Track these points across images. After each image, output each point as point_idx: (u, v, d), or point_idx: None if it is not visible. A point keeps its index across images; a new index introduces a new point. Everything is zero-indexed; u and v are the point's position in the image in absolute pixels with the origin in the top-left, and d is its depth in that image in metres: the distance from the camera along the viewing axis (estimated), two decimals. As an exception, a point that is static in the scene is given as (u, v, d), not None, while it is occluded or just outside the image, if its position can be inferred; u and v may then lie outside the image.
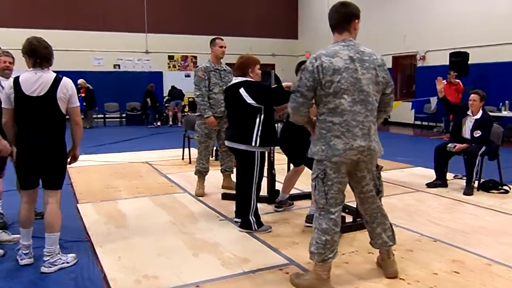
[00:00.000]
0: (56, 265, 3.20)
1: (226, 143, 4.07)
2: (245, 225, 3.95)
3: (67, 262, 3.27)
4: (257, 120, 3.82)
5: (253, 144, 3.80)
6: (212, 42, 5.31)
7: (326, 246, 2.74)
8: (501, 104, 10.16)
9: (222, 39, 5.33)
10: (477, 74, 10.98)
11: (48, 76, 3.14)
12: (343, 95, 2.63)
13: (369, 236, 3.06)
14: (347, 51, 2.67)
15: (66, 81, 3.19)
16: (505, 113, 9.84)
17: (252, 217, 3.93)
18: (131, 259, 3.39)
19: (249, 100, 3.80)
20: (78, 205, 4.88)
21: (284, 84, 4.67)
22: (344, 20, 2.75)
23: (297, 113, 2.76)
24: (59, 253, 3.27)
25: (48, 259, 3.19)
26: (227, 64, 5.43)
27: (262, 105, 3.82)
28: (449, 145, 5.54)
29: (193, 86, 5.24)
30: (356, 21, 2.77)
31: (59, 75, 3.20)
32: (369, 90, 2.68)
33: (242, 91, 3.83)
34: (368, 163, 2.80)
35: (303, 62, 4.37)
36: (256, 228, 3.92)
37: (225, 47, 5.27)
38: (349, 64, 2.64)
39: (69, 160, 3.39)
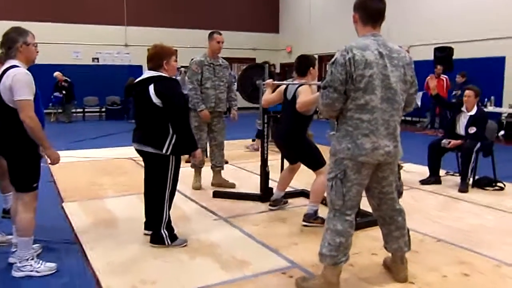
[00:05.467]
0: (23, 271, 2.96)
1: (134, 145, 3.50)
2: (156, 240, 3.43)
3: (37, 271, 2.98)
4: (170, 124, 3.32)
5: (164, 151, 3.28)
6: (210, 36, 5.16)
7: (340, 248, 2.60)
8: (486, 99, 10.22)
9: (220, 34, 5.16)
10: (461, 69, 11.02)
11: (3, 67, 2.87)
12: (374, 91, 2.47)
13: (384, 239, 2.93)
14: (377, 46, 2.52)
15: (10, 71, 2.82)
16: (490, 108, 9.89)
17: (164, 230, 3.42)
18: (125, 262, 3.18)
19: (155, 99, 3.26)
20: (63, 204, 4.62)
21: (267, 81, 4.50)
22: (381, 14, 2.61)
23: (331, 109, 2.56)
24: (32, 259, 3.01)
25: (16, 263, 2.98)
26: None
27: (166, 107, 3.26)
28: (443, 141, 5.48)
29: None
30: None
31: (14, 66, 2.85)
32: (396, 88, 2.54)
33: (151, 88, 3.27)
34: (392, 163, 2.66)
35: (304, 55, 4.22)
36: (170, 242, 3.43)
37: (222, 42, 5.13)
38: (378, 60, 2.49)
39: (48, 161, 3.11)
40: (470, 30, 11.17)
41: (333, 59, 2.54)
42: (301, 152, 4.06)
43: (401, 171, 6.15)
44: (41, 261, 3.06)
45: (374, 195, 2.79)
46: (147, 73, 3.41)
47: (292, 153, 4.21)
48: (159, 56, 3.38)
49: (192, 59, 5.20)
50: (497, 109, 10.06)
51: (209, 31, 5.24)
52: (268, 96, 4.33)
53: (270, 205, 4.50)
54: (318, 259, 2.74)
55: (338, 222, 2.62)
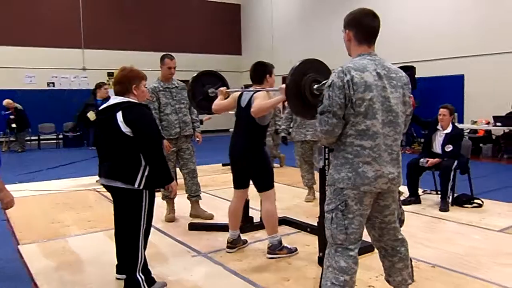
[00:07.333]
0: None
1: (101, 180, 3.08)
2: (131, 286, 2.97)
3: None
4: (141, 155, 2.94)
5: (137, 185, 2.90)
6: (161, 60, 4.85)
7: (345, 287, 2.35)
8: (449, 116, 10.42)
9: (172, 58, 4.81)
10: (423, 88, 11.26)
11: None
12: (376, 116, 2.28)
13: (386, 272, 2.71)
14: (374, 66, 2.34)
15: None
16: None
17: (140, 274, 2.98)
18: (96, 316, 2.80)
19: (125, 129, 2.88)
20: (19, 246, 4.13)
21: (220, 89, 4.12)
22: (377, 33, 2.44)
23: (331, 135, 2.34)
24: None
25: None
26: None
27: (138, 137, 2.89)
28: (421, 160, 5.41)
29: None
30: None
31: None
32: (397, 110, 2.36)
33: (119, 115, 2.90)
34: (394, 191, 2.46)
35: (260, 62, 3.86)
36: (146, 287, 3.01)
37: (174, 68, 4.80)
38: (377, 81, 2.31)
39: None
40: (429, 50, 11.48)
41: (329, 82, 2.33)
42: (257, 166, 3.71)
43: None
44: None
45: (375, 225, 2.57)
46: (113, 99, 3.03)
47: (246, 169, 3.79)
48: (127, 79, 3.03)
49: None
50: (461, 126, 10.26)
51: (174, 53, 4.92)
52: (220, 102, 4.00)
53: (228, 247, 3.95)
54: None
55: (341, 258, 2.38)
